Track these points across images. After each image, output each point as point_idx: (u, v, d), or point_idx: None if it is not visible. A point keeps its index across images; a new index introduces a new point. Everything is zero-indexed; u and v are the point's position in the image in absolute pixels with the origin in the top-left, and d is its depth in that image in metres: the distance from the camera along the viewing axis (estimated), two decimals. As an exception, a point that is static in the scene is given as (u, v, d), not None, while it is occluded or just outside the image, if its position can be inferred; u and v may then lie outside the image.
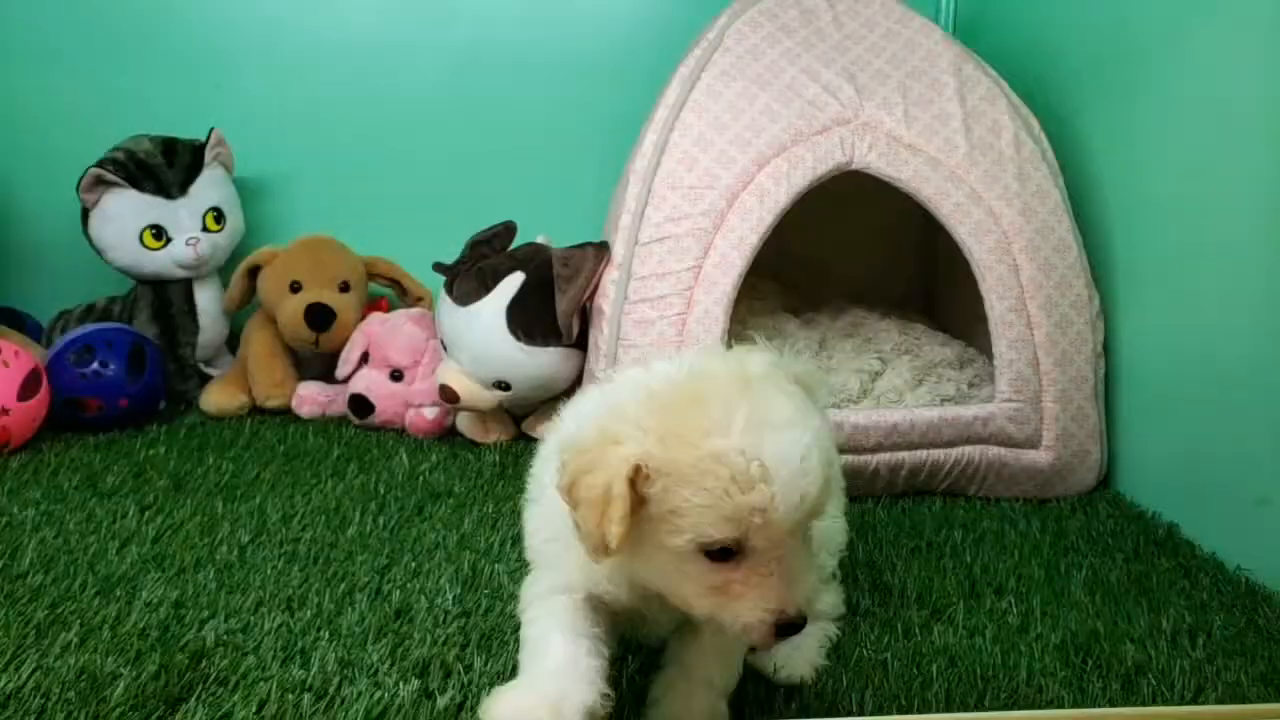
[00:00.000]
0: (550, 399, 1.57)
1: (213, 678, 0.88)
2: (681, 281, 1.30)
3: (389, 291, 1.87)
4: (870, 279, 1.87)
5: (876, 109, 1.35)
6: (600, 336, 1.35)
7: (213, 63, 1.88)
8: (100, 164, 1.66)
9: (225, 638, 0.96)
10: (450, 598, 1.05)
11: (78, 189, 1.66)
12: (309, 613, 1.01)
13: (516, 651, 0.93)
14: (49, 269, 1.88)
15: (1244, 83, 1.14)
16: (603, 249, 1.38)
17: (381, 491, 1.37)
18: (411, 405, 1.61)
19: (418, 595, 1.05)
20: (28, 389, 1.49)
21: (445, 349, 1.53)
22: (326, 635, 0.97)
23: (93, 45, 1.85)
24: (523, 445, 1.60)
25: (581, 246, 1.40)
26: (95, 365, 1.57)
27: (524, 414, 1.63)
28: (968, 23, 1.92)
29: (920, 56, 1.39)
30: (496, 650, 0.94)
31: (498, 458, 1.53)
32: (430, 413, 1.60)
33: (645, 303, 1.31)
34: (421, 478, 1.43)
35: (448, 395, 1.50)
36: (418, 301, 1.82)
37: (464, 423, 1.61)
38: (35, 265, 1.88)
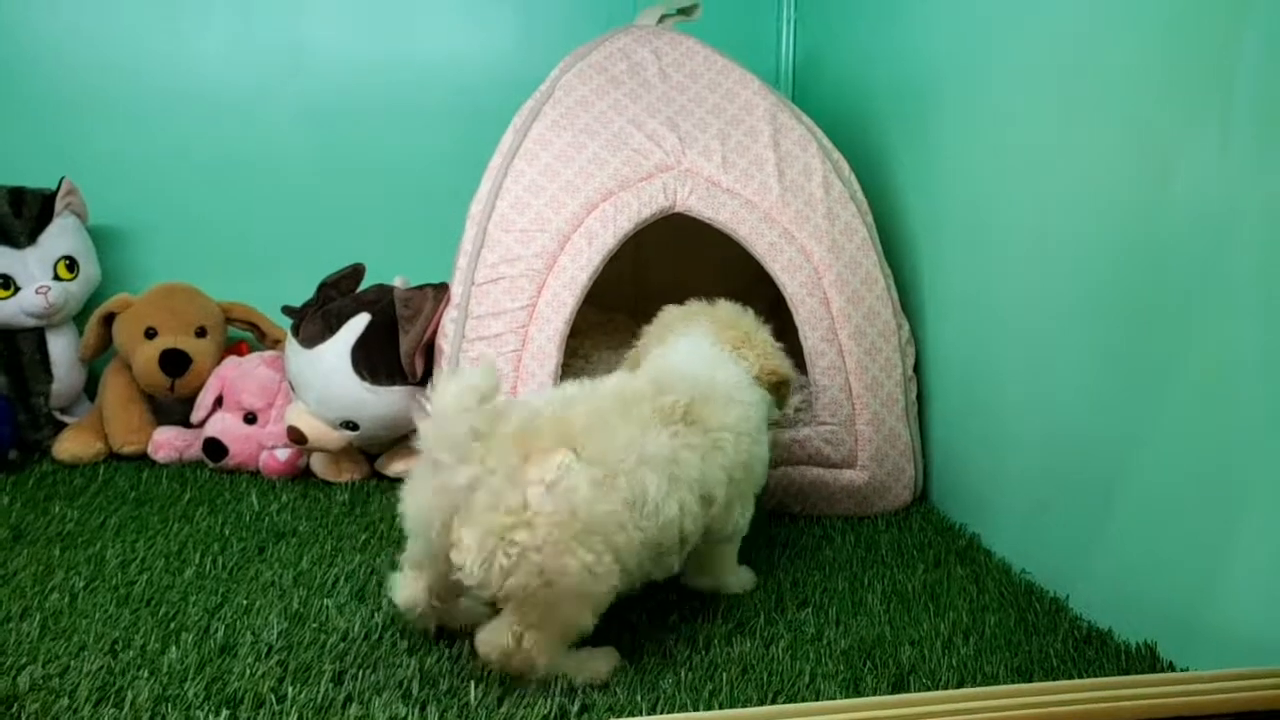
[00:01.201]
0: (401, 437, 1.62)
1: (20, 721, 0.90)
2: (516, 320, 1.36)
3: (248, 335, 1.89)
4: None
5: (697, 156, 1.44)
6: (439, 375, 1.40)
7: (67, 112, 1.88)
8: (-58, 215, 1.66)
9: (40, 682, 0.97)
10: (276, 633, 1.08)
11: (-82, 240, 1.66)
12: (132, 653, 1.03)
13: (330, 680, 0.99)
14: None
15: (1025, 129, 1.26)
16: (442, 289, 1.44)
17: (226, 533, 1.39)
18: (265, 447, 1.64)
19: (244, 632, 1.08)
20: None
21: (294, 390, 1.56)
22: (146, 674, 0.99)
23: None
24: (374, 484, 1.64)
25: (421, 288, 1.46)
26: (-61, 416, 1.56)
27: (377, 452, 1.67)
28: (803, 72, 2.05)
29: (739, 106, 1.50)
30: (313, 680, 0.98)
31: (348, 496, 1.56)
32: (283, 454, 1.63)
33: (482, 340, 1.37)
34: (269, 518, 1.45)
35: (295, 436, 1.53)
36: (275, 344, 1.84)
37: (317, 463, 1.64)
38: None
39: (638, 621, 1.11)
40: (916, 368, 1.50)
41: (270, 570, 1.26)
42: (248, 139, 1.95)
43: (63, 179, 1.76)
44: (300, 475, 1.66)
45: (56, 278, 1.73)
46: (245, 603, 1.16)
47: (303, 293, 1.72)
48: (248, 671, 1.00)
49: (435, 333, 1.45)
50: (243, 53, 1.94)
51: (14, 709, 0.92)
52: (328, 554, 1.32)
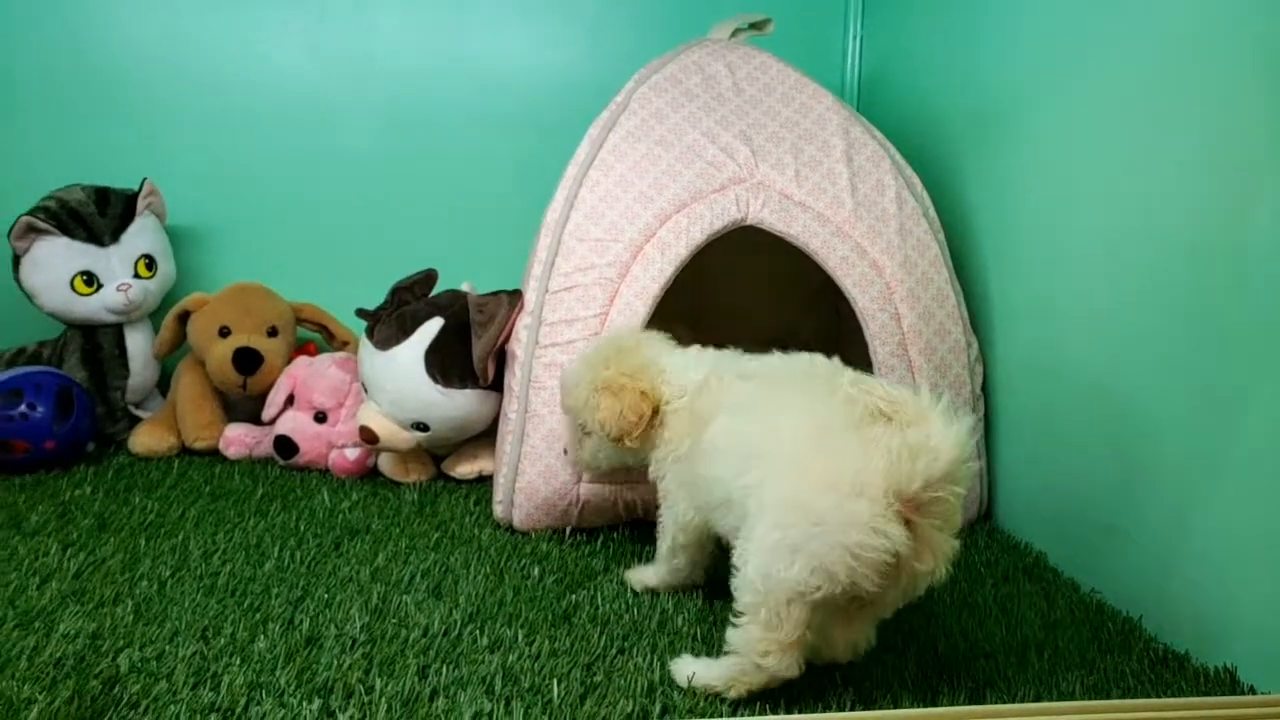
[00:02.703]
0: (468, 439, 1.65)
1: (124, 702, 0.93)
2: (589, 327, 1.39)
3: (317, 336, 1.94)
4: (783, 325, 1.97)
5: (770, 169, 1.46)
6: (513, 379, 1.42)
7: (151, 116, 1.94)
8: (32, 212, 1.71)
9: (139, 665, 1.00)
10: (358, 626, 1.11)
11: (9, 236, 1.71)
12: (223, 641, 1.06)
13: (415, 674, 1.01)
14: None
15: (1101, 150, 1.26)
16: (516, 296, 1.46)
17: (301, 529, 1.43)
18: (334, 446, 1.67)
19: (327, 624, 1.11)
20: (-45, 430, 1.52)
21: (366, 391, 1.60)
22: (238, 661, 1.02)
23: (31, 97, 1.90)
24: (441, 484, 1.67)
25: (496, 294, 1.49)
26: (22, 408, 1.61)
27: (443, 454, 1.70)
28: (868, 87, 2.06)
29: (812, 120, 1.51)
30: (398, 673, 1.00)
31: (416, 496, 1.59)
32: (352, 453, 1.66)
33: (555, 347, 1.39)
34: (341, 515, 1.49)
35: (367, 436, 1.56)
36: (344, 345, 1.88)
37: (385, 463, 1.67)
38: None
39: (717, 631, 1.13)
40: (984, 386, 1.50)
41: (347, 566, 1.29)
42: (322, 145, 2.00)
43: (144, 180, 1.81)
44: (368, 474, 1.70)
45: (136, 275, 1.78)
46: (326, 596, 1.19)
47: (370, 295, 1.75)
48: (335, 663, 1.02)
49: (508, 338, 1.48)
50: (320, 63, 1.99)
51: (116, 690, 0.95)
52: (401, 551, 1.35)
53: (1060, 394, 1.35)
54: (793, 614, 0.90)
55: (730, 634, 0.96)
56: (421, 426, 1.56)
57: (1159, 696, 0.99)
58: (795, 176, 1.46)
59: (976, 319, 1.52)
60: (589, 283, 1.40)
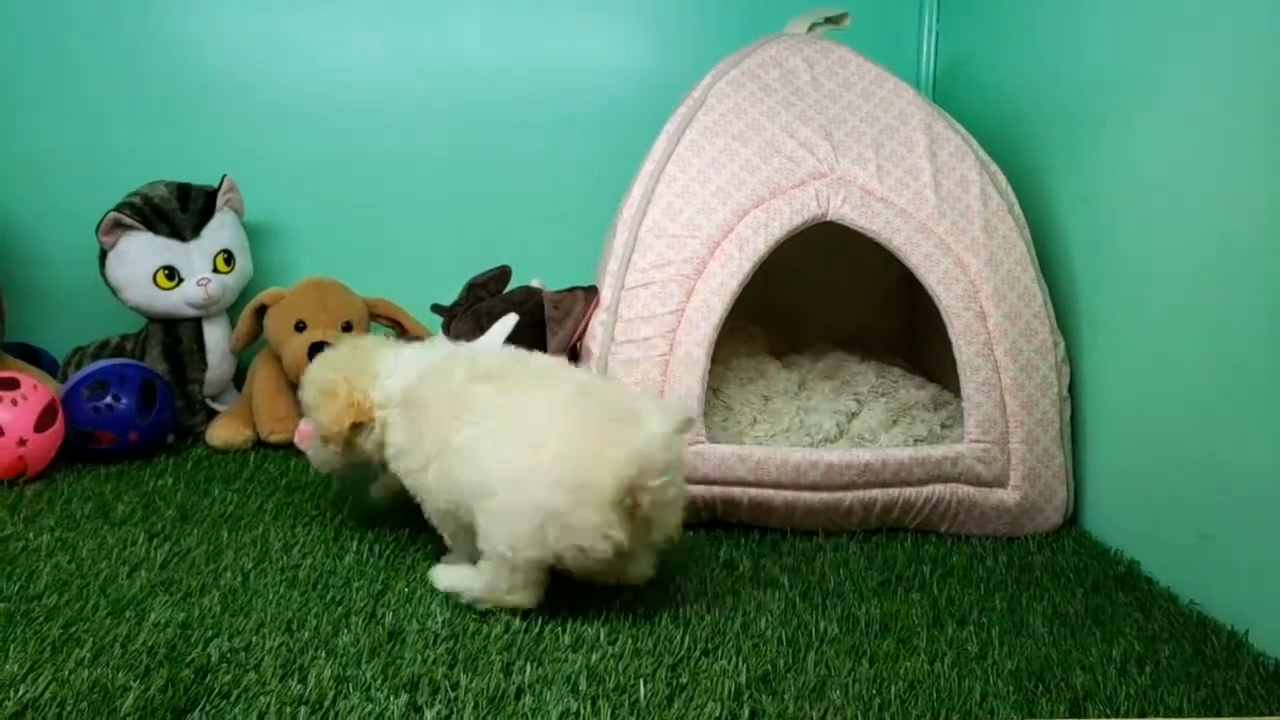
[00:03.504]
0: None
1: (216, 691, 0.94)
2: (665, 324, 1.37)
3: (390, 331, 1.95)
4: (854, 325, 1.95)
5: (851, 164, 1.43)
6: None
7: (231, 114, 1.98)
8: (118, 208, 1.75)
9: (228, 655, 1.02)
10: (440, 621, 1.11)
11: (97, 231, 1.75)
12: (307, 634, 1.07)
13: (500, 671, 1.00)
14: (65, 307, 1.97)
15: (1197, 146, 1.22)
16: (591, 292, 1.45)
17: (375, 522, 1.43)
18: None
19: (409, 619, 1.11)
20: (44, 421, 1.56)
21: (442, 387, 1.60)
22: (323, 654, 1.03)
23: (113, 97, 1.95)
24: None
25: (571, 290, 1.48)
26: (108, 399, 1.64)
27: (517, 450, 1.69)
28: (945, 81, 2.02)
29: (893, 115, 1.48)
30: (482, 670, 1.00)
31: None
32: (427, 448, 1.67)
33: (631, 343, 1.38)
34: (415, 510, 1.49)
35: (444, 431, 1.57)
36: (416, 340, 1.89)
37: (459, 458, 1.67)
38: (51, 304, 1.96)
39: (801, 633, 1.11)
40: (1071, 388, 1.45)
41: (426, 560, 1.29)
42: (399, 142, 2.02)
43: (224, 176, 1.84)
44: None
45: (215, 270, 1.81)
46: (406, 590, 1.19)
47: (442, 290, 1.76)
48: (419, 658, 1.02)
49: (583, 334, 1.47)
50: (397, 62, 2.01)
51: (208, 679, 0.96)
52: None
53: (1152, 395, 1.31)
54: (528, 573, 1.08)
55: (481, 565, 1.11)
56: (495, 422, 1.56)
57: (1275, 715, 0.95)
58: (877, 172, 1.43)
59: (1063, 318, 1.48)
60: (665, 279, 1.38)
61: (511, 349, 1.28)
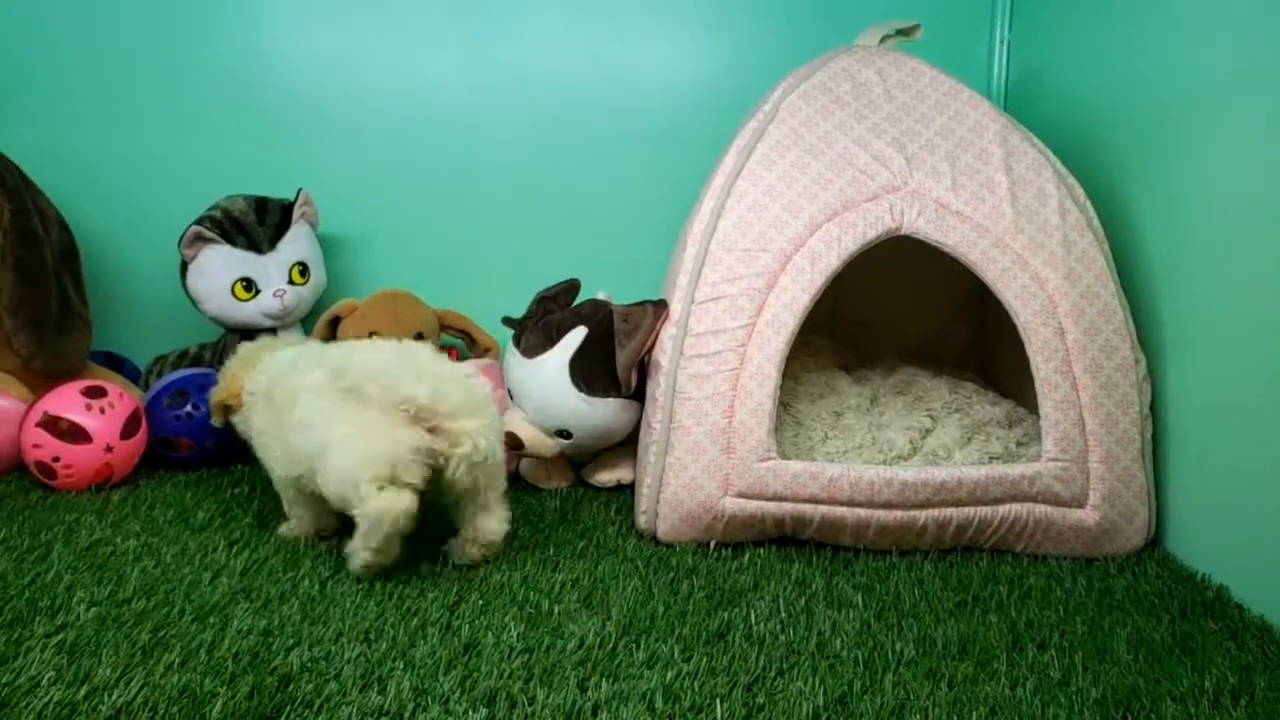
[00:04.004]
0: (607, 447, 1.65)
1: (299, 700, 0.96)
2: (735, 339, 1.37)
3: (459, 342, 1.97)
4: (924, 340, 1.92)
5: (925, 177, 1.41)
6: (657, 389, 1.42)
7: (305, 128, 2.02)
8: (200, 221, 1.80)
9: (309, 664, 1.03)
10: (515, 635, 1.12)
11: (179, 244, 1.80)
12: (385, 644, 1.08)
13: (575, 687, 1.01)
14: (147, 317, 2.02)
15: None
16: (661, 306, 1.46)
17: (449, 535, 1.45)
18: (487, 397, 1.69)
19: (484, 631, 1.12)
20: (129, 428, 1.61)
21: (512, 398, 1.62)
22: (401, 665, 1.04)
23: (193, 111, 2.00)
24: (581, 491, 1.68)
25: (641, 304, 1.48)
26: (188, 408, 1.69)
27: (582, 461, 1.70)
28: (1017, 93, 1.98)
29: (968, 127, 1.46)
30: (558, 685, 1.00)
31: (558, 503, 1.60)
32: (495, 458, 1.69)
33: (701, 358, 1.38)
34: (487, 521, 1.51)
35: (513, 442, 1.58)
36: (485, 352, 1.92)
37: (526, 468, 1.69)
38: (134, 313, 2.02)
39: (877, 655, 1.09)
40: (1153, 406, 1.42)
41: (499, 572, 1.30)
42: (467, 155, 2.05)
43: (300, 190, 1.88)
44: (509, 479, 1.71)
45: (291, 282, 1.85)
46: (481, 603, 1.20)
47: (509, 302, 1.78)
48: (495, 671, 1.03)
49: (652, 348, 1.47)
50: (467, 76, 2.03)
51: (291, 688, 0.98)
52: (549, 559, 1.35)
53: (1239, 414, 1.27)
54: (365, 488, 1.21)
55: (359, 527, 1.24)
56: (565, 434, 1.57)
57: (1377, 752, 0.91)
58: (952, 185, 1.41)
59: (1145, 335, 1.44)
60: (736, 294, 1.38)
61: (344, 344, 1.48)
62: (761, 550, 1.39)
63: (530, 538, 1.44)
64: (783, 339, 1.36)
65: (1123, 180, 1.53)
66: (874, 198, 1.40)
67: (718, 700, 0.98)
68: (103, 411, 1.58)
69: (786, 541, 1.43)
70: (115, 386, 1.65)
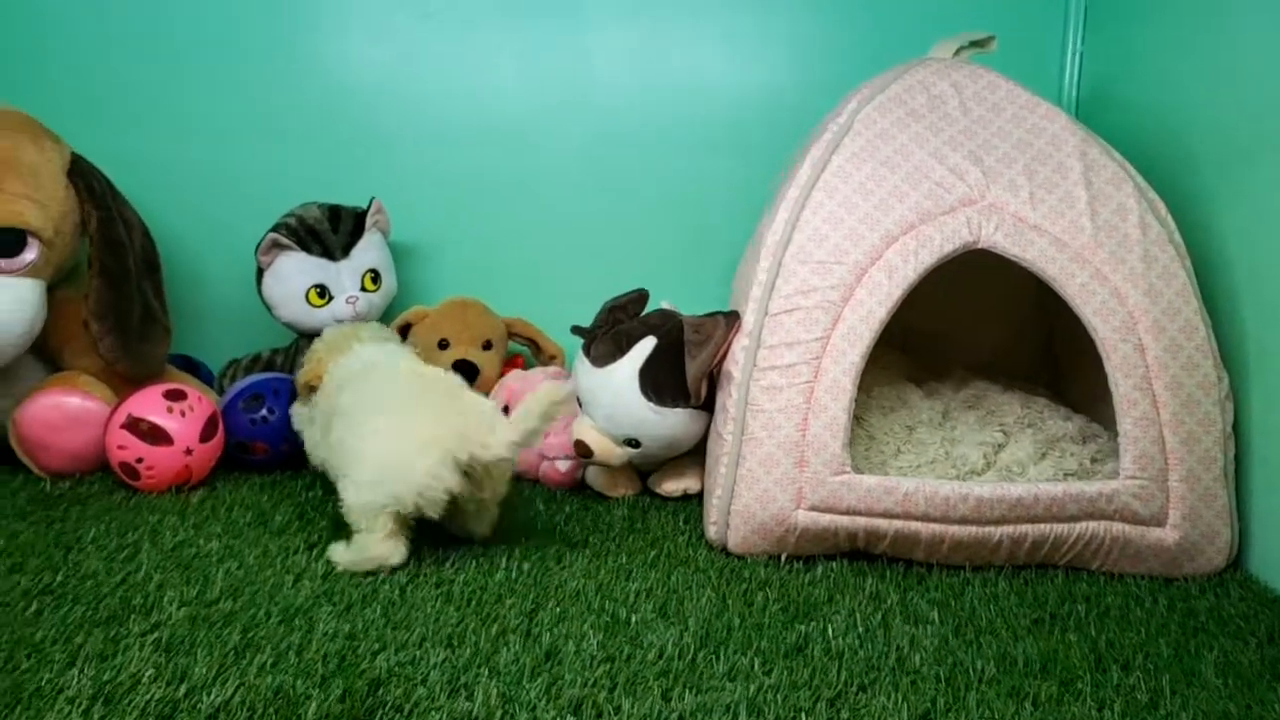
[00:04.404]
0: (674, 457, 1.66)
1: (390, 704, 0.98)
2: (810, 351, 1.37)
3: (525, 349, 1.99)
4: (990, 354, 1.91)
5: (1002, 191, 1.41)
6: (729, 401, 1.42)
7: (374, 137, 2.05)
8: (276, 229, 1.83)
9: (396, 669, 1.05)
10: (595, 643, 1.13)
11: (256, 251, 1.84)
12: (468, 650, 1.10)
13: (659, 697, 1.02)
14: (218, 322, 2.07)
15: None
16: (733, 318, 1.46)
17: (524, 539, 1.47)
18: (546, 458, 1.71)
19: (564, 639, 1.13)
20: (208, 431, 1.65)
21: (581, 406, 1.63)
22: (486, 672, 1.05)
23: (260, 121, 2.05)
24: (648, 500, 1.69)
25: (713, 315, 1.49)
26: (263, 412, 1.72)
27: (649, 470, 1.71)
28: (1089, 103, 1.96)
29: (1045, 141, 1.45)
30: (641, 695, 1.01)
31: (626, 512, 1.61)
32: (564, 465, 1.70)
33: (774, 370, 1.38)
34: (558, 528, 1.52)
35: (582, 450, 1.60)
36: (551, 359, 1.93)
37: (593, 476, 1.70)
38: (207, 318, 2.07)
39: (958, 672, 1.09)
40: (1235, 425, 1.39)
41: (574, 580, 1.31)
42: (533, 164, 2.07)
43: (373, 199, 1.92)
44: (576, 487, 1.73)
45: (363, 289, 1.88)
46: (559, 610, 1.21)
47: (575, 310, 1.80)
48: (579, 679, 1.04)
49: (724, 360, 1.48)
50: (527, 84, 2.06)
51: (380, 692, 1.00)
52: (622, 568, 1.36)
53: (1330, 437, 1.24)
54: (380, 523, 1.30)
55: (354, 539, 1.33)
56: (633, 443, 1.58)
57: None
58: (1030, 199, 1.40)
59: (1227, 352, 1.42)
60: (811, 305, 1.38)
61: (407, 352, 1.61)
62: (833, 564, 1.39)
63: (602, 546, 1.45)
64: (858, 352, 1.36)
65: (1202, 194, 1.51)
66: (950, 211, 1.40)
67: (802, 714, 0.98)
68: (183, 414, 1.62)
69: (858, 555, 1.42)
70: (194, 390, 1.69)
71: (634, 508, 1.64)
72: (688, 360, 1.51)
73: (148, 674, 1.02)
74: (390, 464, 1.30)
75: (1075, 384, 1.77)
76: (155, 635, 1.11)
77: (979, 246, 1.39)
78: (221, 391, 1.88)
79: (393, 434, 1.32)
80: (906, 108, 1.50)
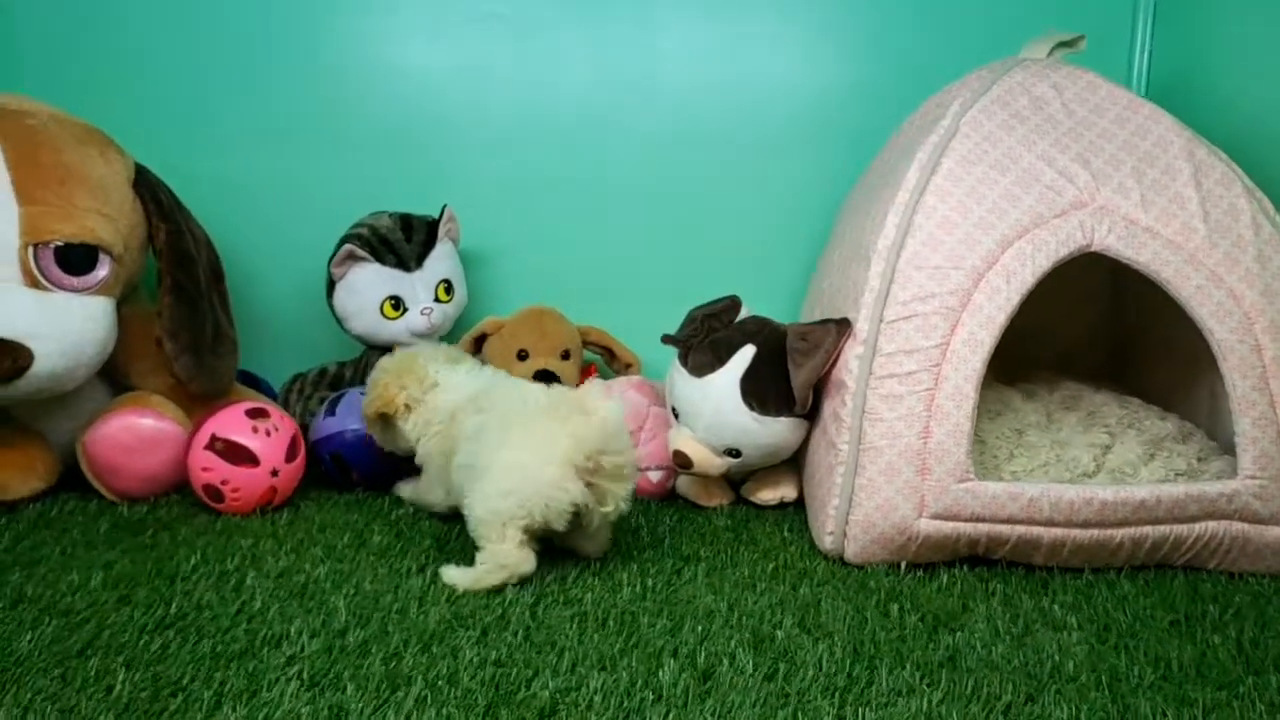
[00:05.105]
0: (769, 466, 1.64)
1: (569, 734, 0.96)
2: (929, 358, 1.36)
3: (598, 358, 1.97)
4: (1065, 353, 1.91)
5: (1112, 193, 1.40)
6: (843, 410, 1.41)
7: (439, 143, 2.01)
8: (350, 239, 1.79)
9: (559, 695, 1.02)
10: (749, 662, 1.11)
11: (329, 263, 1.80)
12: (624, 673, 1.07)
13: (835, 716, 1.00)
14: (276, 335, 2.02)
15: None
16: (844, 325, 1.45)
17: (636, 553, 1.44)
18: (638, 469, 1.69)
19: (717, 658, 1.11)
20: (292, 451, 1.60)
21: (677, 417, 1.61)
22: (650, 695, 1.03)
23: (319, 128, 2.00)
24: (744, 510, 1.67)
25: (823, 323, 1.47)
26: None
27: (739, 479, 1.70)
28: (1158, 99, 1.96)
29: (1151, 142, 1.45)
30: (815, 713, 0.99)
31: (725, 521, 1.60)
32: (655, 476, 1.68)
33: (893, 378, 1.37)
34: (665, 540, 1.50)
35: (681, 460, 1.57)
36: (627, 368, 1.91)
37: (685, 486, 1.68)
38: (265, 332, 2.02)
39: (1119, 679, 1.08)
40: (1348, 422, 1.40)
41: (700, 594, 1.29)
42: (600, 170, 2.04)
43: (444, 207, 1.88)
44: (666, 497, 1.71)
45: (437, 299, 1.84)
46: (700, 629, 1.19)
47: (646, 315, 1.78)
48: (746, 700, 1.02)
49: (834, 367, 1.46)
50: (596, 87, 2.03)
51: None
52: (744, 581, 1.34)
53: None
54: (510, 533, 1.29)
55: (479, 557, 1.31)
56: (734, 452, 1.57)
57: None
58: (1140, 201, 1.40)
59: (1335, 350, 1.42)
60: (929, 312, 1.37)
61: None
62: (954, 571, 1.38)
63: (716, 558, 1.43)
64: (980, 358, 1.35)
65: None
66: (1063, 214, 1.39)
67: (992, 732, 0.97)
68: (268, 434, 1.57)
69: (977, 561, 1.42)
70: (274, 408, 1.64)
71: (732, 517, 1.62)
72: (792, 368, 1.49)
73: (304, 711, 0.98)
74: (519, 474, 1.29)
75: (1149, 383, 1.78)
76: (295, 669, 1.07)
77: (1092, 250, 1.38)
78: (286, 405, 1.83)
79: (521, 446, 1.31)
80: (1010, 110, 1.49)
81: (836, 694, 1.04)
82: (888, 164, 1.60)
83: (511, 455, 1.30)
